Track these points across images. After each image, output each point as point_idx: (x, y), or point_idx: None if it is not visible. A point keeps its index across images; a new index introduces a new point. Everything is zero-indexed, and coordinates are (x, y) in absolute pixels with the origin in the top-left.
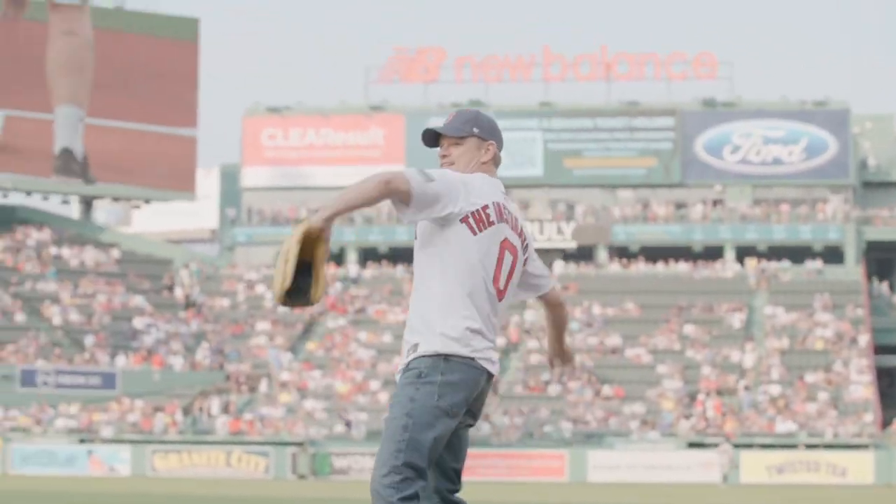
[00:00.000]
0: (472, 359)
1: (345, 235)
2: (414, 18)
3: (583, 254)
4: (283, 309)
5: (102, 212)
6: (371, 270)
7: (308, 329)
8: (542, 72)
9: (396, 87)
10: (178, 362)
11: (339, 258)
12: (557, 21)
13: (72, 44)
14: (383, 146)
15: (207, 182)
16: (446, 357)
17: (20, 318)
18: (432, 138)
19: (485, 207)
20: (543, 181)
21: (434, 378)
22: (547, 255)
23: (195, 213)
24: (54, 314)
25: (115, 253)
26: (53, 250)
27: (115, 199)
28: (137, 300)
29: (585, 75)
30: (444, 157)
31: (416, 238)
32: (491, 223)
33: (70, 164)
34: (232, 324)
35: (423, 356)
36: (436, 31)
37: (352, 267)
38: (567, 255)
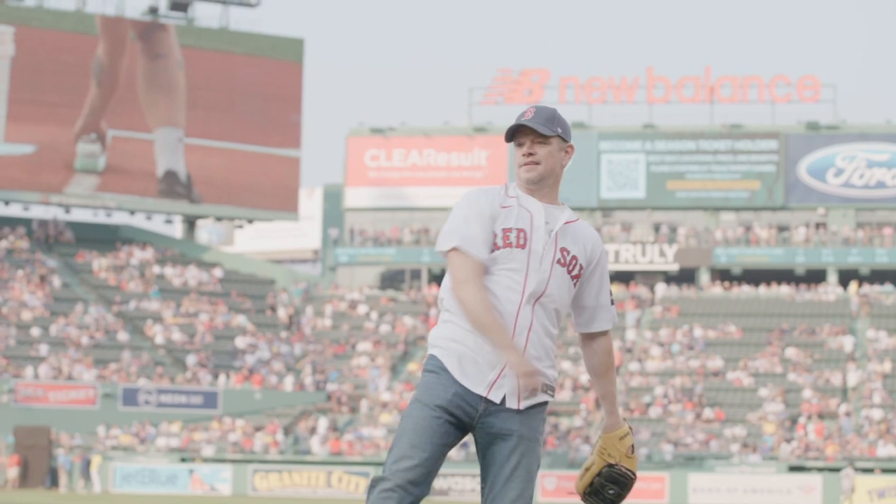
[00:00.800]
0: None
1: (439, 256)
2: (518, 40)
3: (685, 276)
4: (384, 329)
5: (205, 231)
6: None
7: (409, 350)
8: (645, 94)
9: (500, 108)
10: (279, 382)
11: (440, 279)
12: (661, 43)
13: (161, 66)
14: (486, 167)
15: (310, 202)
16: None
17: (123, 336)
18: (511, 134)
19: None
20: (646, 203)
21: None
22: (649, 277)
23: (298, 233)
24: (157, 333)
25: (218, 272)
26: (156, 269)
27: (218, 219)
28: (239, 320)
29: (689, 97)
30: (529, 155)
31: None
32: None
33: (174, 187)
34: (333, 344)
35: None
36: (540, 52)
37: None
38: (669, 278)
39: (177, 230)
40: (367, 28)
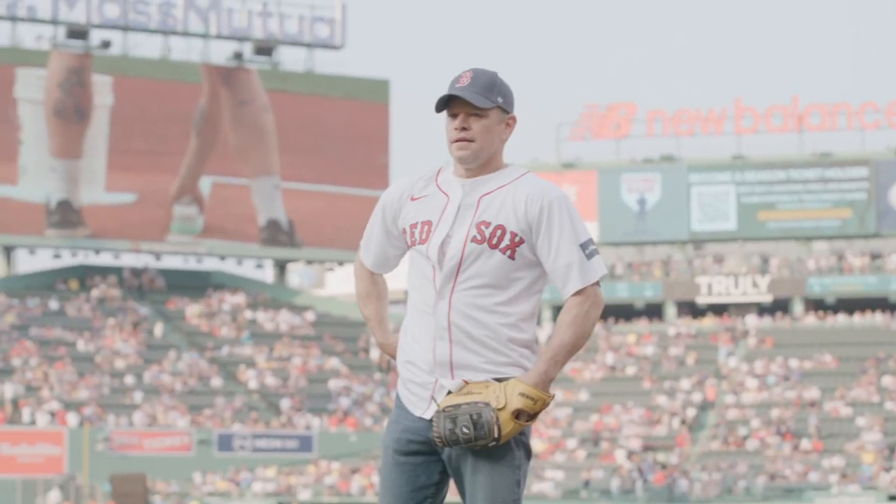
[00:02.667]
0: None
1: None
2: (604, 74)
3: (778, 307)
4: None
5: (296, 275)
6: None
7: None
8: (733, 124)
9: (588, 144)
10: (374, 424)
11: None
12: (748, 73)
13: (247, 112)
14: (576, 203)
15: None
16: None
17: (216, 382)
18: (443, 103)
19: None
20: (738, 234)
21: None
22: (743, 308)
23: (389, 275)
24: (250, 378)
25: (310, 316)
26: (248, 314)
27: (309, 262)
28: (333, 362)
29: (777, 127)
30: (462, 129)
31: (512, 257)
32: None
33: (277, 235)
34: None
35: None
36: (626, 85)
37: (546, 325)
38: (762, 309)
39: (268, 275)
40: (451, 66)
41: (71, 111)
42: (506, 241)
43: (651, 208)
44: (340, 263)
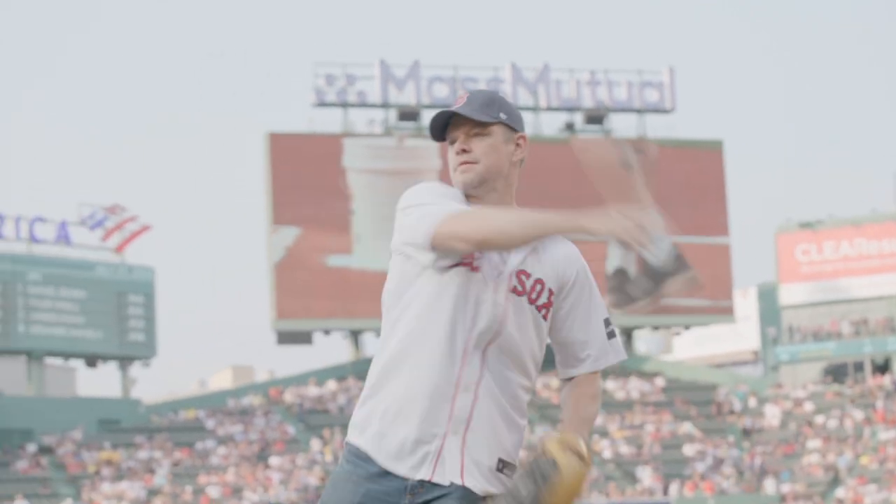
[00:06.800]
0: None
1: (889, 345)
2: None
3: None
4: (832, 424)
5: (643, 342)
6: None
7: (860, 443)
8: None
9: None
10: (731, 487)
11: (883, 367)
12: None
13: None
14: None
15: (745, 303)
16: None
17: None
18: (441, 128)
19: None
20: None
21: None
22: None
23: (736, 335)
24: (604, 448)
25: (660, 382)
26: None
27: (655, 328)
28: (686, 427)
29: None
30: (462, 152)
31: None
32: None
33: (624, 286)
34: (783, 444)
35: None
36: None
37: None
38: None
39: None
40: (784, 123)
41: None
42: (543, 299)
43: None
44: (686, 327)
